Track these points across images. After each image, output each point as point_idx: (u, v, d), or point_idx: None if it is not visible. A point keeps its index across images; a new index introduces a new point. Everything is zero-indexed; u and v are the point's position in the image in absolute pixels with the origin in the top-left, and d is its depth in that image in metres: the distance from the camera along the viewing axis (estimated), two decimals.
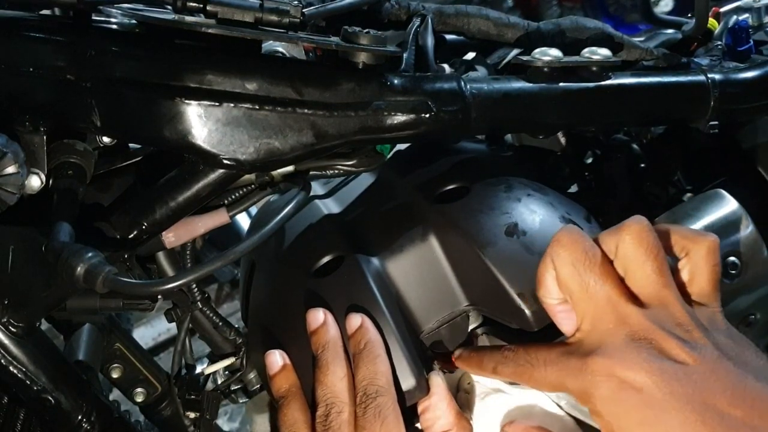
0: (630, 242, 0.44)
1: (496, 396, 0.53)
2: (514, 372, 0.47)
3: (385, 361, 0.49)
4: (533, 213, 0.53)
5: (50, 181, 0.49)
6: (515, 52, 0.63)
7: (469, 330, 0.54)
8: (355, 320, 0.50)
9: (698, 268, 0.45)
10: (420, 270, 0.53)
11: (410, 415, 0.50)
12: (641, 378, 0.41)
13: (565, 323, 0.46)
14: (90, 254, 0.44)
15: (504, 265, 0.50)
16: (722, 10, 0.80)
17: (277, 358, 0.52)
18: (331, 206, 0.61)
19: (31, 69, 0.46)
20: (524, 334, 0.50)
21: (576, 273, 0.44)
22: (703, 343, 0.42)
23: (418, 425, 0.51)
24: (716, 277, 0.46)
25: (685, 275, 0.46)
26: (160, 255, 0.62)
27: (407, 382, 0.50)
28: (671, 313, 0.43)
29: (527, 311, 0.49)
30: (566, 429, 0.52)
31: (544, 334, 0.50)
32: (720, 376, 0.41)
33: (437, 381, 0.51)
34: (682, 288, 0.46)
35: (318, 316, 0.51)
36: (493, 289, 0.50)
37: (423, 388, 0.50)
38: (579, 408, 0.52)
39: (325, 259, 0.55)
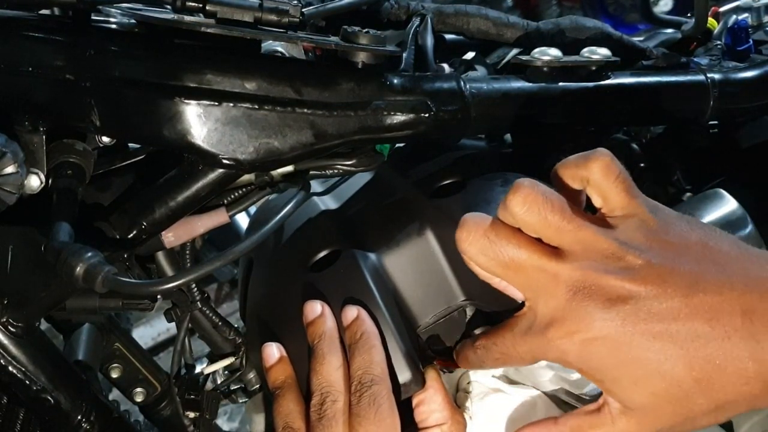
0: (522, 208, 0.42)
1: (496, 396, 0.53)
2: (496, 364, 0.47)
3: (380, 352, 0.49)
4: None
5: (50, 181, 0.49)
6: (515, 51, 0.64)
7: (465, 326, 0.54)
8: (352, 312, 0.50)
9: (604, 188, 0.44)
10: (416, 265, 0.53)
11: (406, 408, 0.50)
12: (599, 328, 0.40)
13: (517, 294, 0.46)
14: (89, 254, 0.44)
15: None
16: (721, 9, 0.80)
17: (273, 351, 0.53)
18: (328, 202, 0.61)
19: (30, 69, 0.46)
20: None
21: (489, 258, 0.44)
22: (641, 263, 0.41)
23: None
24: (625, 184, 0.44)
25: (597, 201, 0.45)
26: (160, 255, 0.62)
27: (403, 375, 0.50)
28: (596, 249, 0.42)
29: None
30: None
31: None
32: (670, 290, 0.40)
33: (433, 375, 0.51)
34: (603, 215, 0.45)
35: (315, 308, 0.51)
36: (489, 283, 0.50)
37: (419, 381, 0.50)
38: (578, 406, 0.52)
39: (322, 254, 0.55)
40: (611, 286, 0.41)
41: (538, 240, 0.43)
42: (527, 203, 0.42)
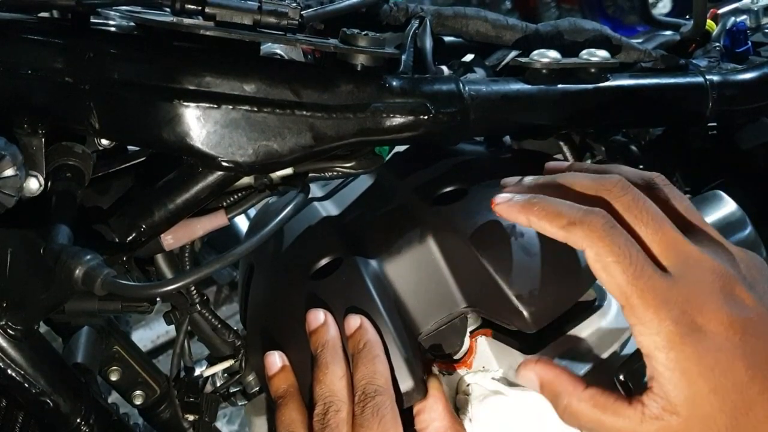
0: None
1: (495, 398, 0.53)
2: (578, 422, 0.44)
3: (383, 362, 0.49)
4: None
5: (49, 184, 0.49)
6: (514, 53, 0.64)
7: (468, 332, 0.54)
8: (354, 321, 0.50)
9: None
10: (418, 272, 0.53)
11: (407, 416, 0.50)
12: (717, 322, 0.39)
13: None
14: (88, 256, 0.44)
15: (502, 266, 0.50)
16: (720, 11, 0.80)
17: (275, 359, 0.52)
18: (329, 208, 0.61)
19: (29, 71, 0.46)
20: (523, 335, 0.50)
21: (618, 268, 0.41)
22: (762, 290, 0.41)
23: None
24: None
25: None
26: (159, 257, 0.62)
27: (405, 383, 0.50)
28: (731, 258, 0.42)
29: (525, 312, 0.49)
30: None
31: (543, 335, 0.50)
32: None
33: (434, 383, 0.51)
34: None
35: (318, 316, 0.51)
36: (491, 290, 0.50)
37: (421, 389, 0.50)
38: None
39: (324, 261, 0.55)
40: (742, 293, 0.41)
41: None
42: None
